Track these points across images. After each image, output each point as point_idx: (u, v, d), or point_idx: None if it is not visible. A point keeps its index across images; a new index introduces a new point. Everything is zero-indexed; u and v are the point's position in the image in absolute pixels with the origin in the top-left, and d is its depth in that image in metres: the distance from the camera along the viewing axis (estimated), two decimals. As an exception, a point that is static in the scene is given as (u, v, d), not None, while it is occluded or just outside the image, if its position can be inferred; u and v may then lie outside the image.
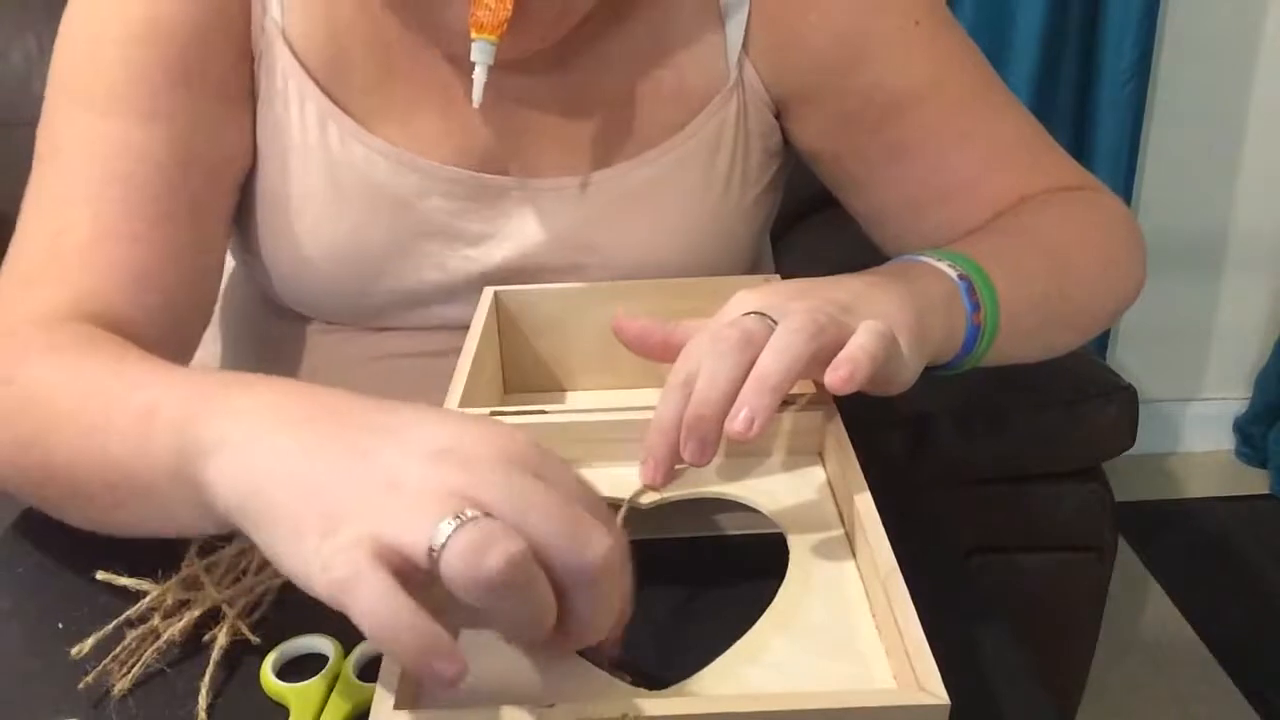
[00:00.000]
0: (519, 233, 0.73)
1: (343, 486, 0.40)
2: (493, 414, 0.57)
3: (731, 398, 0.49)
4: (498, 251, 0.73)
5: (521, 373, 0.72)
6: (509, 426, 0.42)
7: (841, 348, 0.52)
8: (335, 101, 0.70)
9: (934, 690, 0.40)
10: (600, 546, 0.39)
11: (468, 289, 0.73)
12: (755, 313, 0.52)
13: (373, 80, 0.71)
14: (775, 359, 0.49)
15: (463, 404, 0.58)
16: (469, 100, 0.64)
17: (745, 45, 0.72)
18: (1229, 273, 2.02)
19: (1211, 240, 1.99)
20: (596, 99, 0.72)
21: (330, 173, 0.71)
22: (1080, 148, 1.80)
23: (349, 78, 0.71)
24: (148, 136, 0.66)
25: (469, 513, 0.37)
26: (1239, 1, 1.82)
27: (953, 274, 0.61)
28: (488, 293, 0.70)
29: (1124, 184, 1.82)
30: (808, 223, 1.38)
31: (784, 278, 0.66)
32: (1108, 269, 0.73)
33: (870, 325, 0.52)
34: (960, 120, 0.73)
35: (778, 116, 0.76)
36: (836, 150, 0.75)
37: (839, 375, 0.50)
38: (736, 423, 0.48)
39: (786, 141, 0.78)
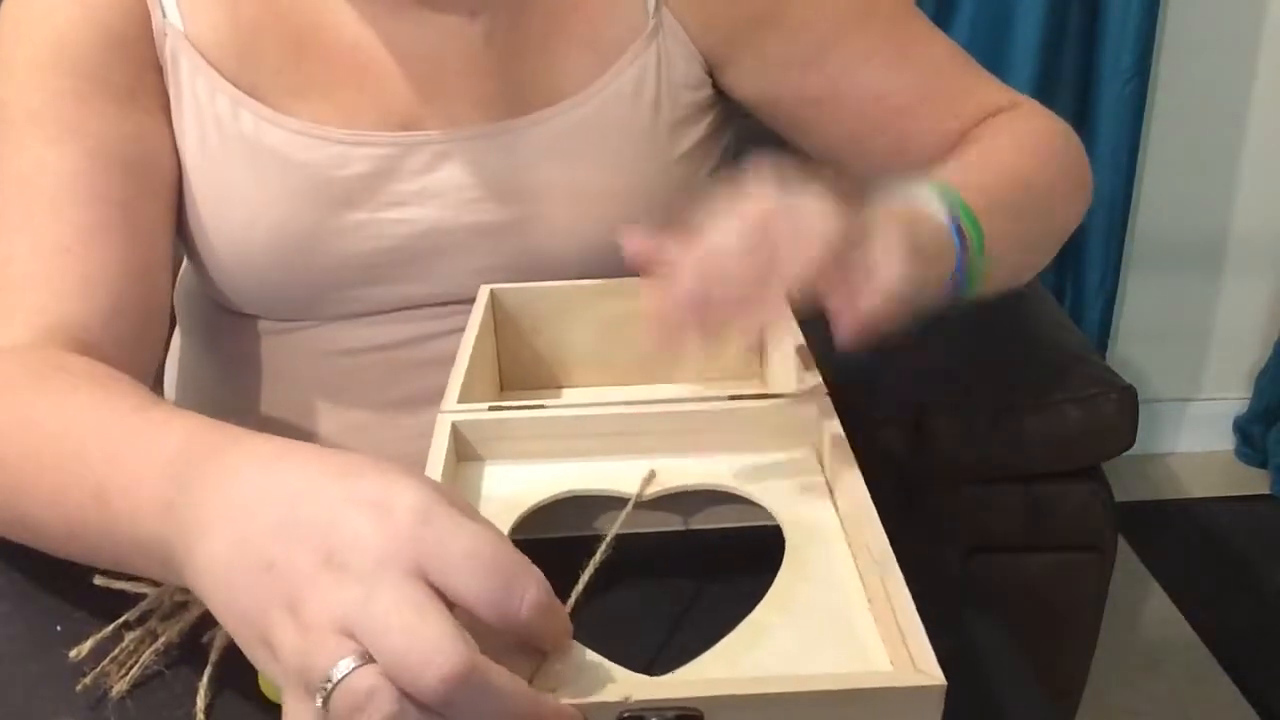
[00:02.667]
0: (446, 187, 0.73)
1: (257, 608, 0.40)
2: (491, 409, 0.58)
3: (747, 288, 0.50)
4: (427, 210, 0.73)
5: (518, 369, 0.72)
6: (413, 492, 0.40)
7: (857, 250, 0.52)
8: (247, 90, 0.71)
9: (929, 671, 0.40)
10: (526, 603, 0.39)
11: (406, 259, 0.73)
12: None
13: (286, 63, 0.71)
14: (793, 258, 0.50)
15: (460, 400, 0.58)
16: (382, 65, 0.68)
17: None
18: (1229, 273, 2.01)
19: (1211, 240, 1.99)
20: (510, 50, 0.73)
21: (250, 159, 0.71)
22: (1080, 147, 1.79)
23: (260, 65, 0.71)
24: (66, 152, 0.67)
25: (347, 667, 0.36)
26: (1239, 1, 1.82)
27: (944, 218, 0.61)
28: (484, 290, 0.70)
29: (1124, 184, 1.82)
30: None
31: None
32: (1064, 183, 0.75)
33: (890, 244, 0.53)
34: (888, 49, 0.76)
35: (711, 72, 0.77)
36: (775, 95, 0.77)
37: (871, 302, 0.51)
38: (748, 321, 0.50)
39: (725, 97, 0.78)
